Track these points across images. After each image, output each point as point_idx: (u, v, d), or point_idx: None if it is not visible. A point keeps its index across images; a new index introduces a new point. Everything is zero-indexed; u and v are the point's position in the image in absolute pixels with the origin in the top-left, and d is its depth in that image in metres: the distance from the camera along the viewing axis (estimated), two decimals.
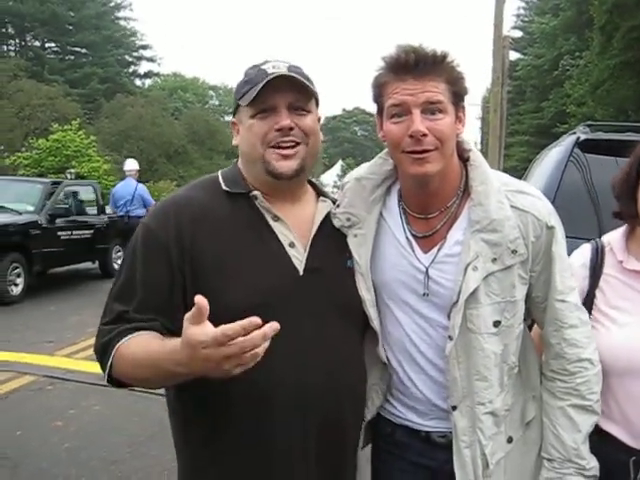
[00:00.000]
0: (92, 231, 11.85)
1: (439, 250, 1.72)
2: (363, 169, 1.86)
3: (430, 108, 1.59)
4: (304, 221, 1.72)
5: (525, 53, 47.64)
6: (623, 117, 21.76)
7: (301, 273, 1.65)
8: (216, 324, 1.47)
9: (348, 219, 1.79)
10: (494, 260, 1.65)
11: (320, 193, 1.84)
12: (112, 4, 51.12)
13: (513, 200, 1.68)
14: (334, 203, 1.82)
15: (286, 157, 1.64)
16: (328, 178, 56.13)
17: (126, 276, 1.62)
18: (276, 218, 1.66)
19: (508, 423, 1.76)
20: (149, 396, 5.03)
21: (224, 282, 1.57)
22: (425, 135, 1.58)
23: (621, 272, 1.92)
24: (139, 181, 12.28)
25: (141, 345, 1.49)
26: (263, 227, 1.65)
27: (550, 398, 1.79)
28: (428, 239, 1.74)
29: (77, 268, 12.63)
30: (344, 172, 60.09)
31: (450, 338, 1.68)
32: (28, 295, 10.13)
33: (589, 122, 4.35)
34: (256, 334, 1.24)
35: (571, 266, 1.83)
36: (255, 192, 1.66)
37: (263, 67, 1.66)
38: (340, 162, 61.67)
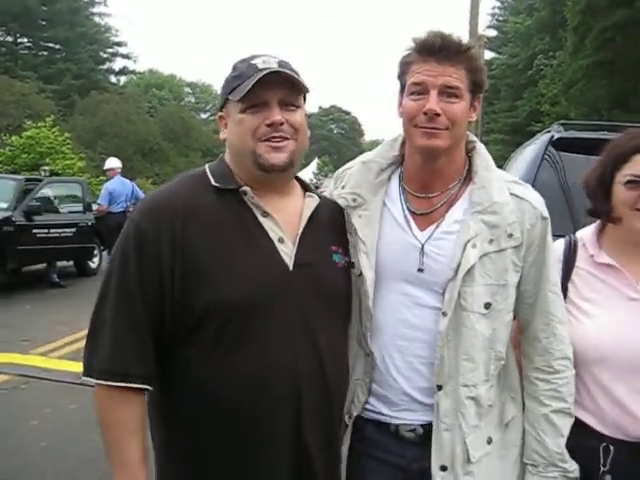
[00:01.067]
0: (74, 229, 11.50)
1: (437, 227, 1.78)
2: (370, 154, 1.93)
3: (447, 91, 1.69)
4: (292, 216, 1.74)
5: (500, 52, 47.92)
6: (596, 116, 22.01)
7: (291, 268, 1.67)
8: (209, 319, 1.57)
9: (354, 200, 1.84)
10: (491, 241, 1.71)
11: (307, 189, 1.85)
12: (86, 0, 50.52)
13: (511, 188, 1.77)
14: (320, 198, 1.84)
15: (276, 149, 1.66)
16: (304, 175, 55.68)
17: (121, 284, 1.62)
18: (265, 214, 1.68)
19: (488, 423, 1.78)
20: None
21: (215, 278, 1.59)
22: (438, 115, 1.68)
23: (592, 265, 1.98)
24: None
25: (128, 428, 1.63)
26: (252, 223, 1.67)
27: (533, 404, 1.82)
28: (426, 217, 1.80)
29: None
30: (320, 170, 60.05)
31: (444, 314, 1.72)
32: (3, 293, 10.04)
33: (563, 121, 4.42)
34: None
35: None
36: (245, 187, 1.67)
37: (253, 62, 1.67)
38: (316, 160, 61.54)
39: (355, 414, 1.86)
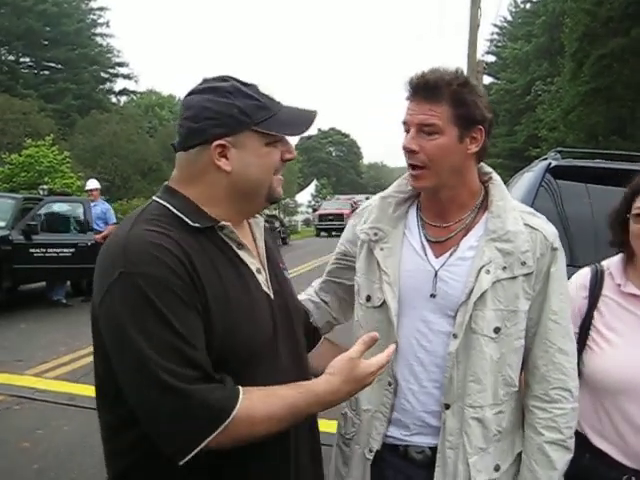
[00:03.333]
0: (72, 250, 11.14)
1: (451, 254, 1.83)
2: (388, 190, 2.00)
3: (424, 129, 1.75)
4: (250, 241, 1.69)
5: (498, 78, 48.35)
6: (593, 142, 22.18)
7: (272, 297, 1.64)
8: (230, 356, 1.47)
9: (375, 234, 1.90)
10: (504, 268, 1.75)
11: None
12: (89, 21, 50.91)
13: (526, 219, 1.82)
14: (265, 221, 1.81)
15: (281, 182, 1.65)
16: (303, 197, 56.22)
17: (166, 331, 1.37)
18: (240, 246, 1.60)
19: (498, 450, 1.79)
20: None
21: (229, 317, 1.48)
22: (414, 152, 1.76)
23: (619, 295, 2.01)
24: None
25: (268, 400, 1.42)
26: (234, 258, 1.58)
27: (529, 433, 1.82)
28: (442, 244, 1.85)
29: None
30: (318, 192, 60.32)
31: (455, 336, 1.76)
32: None
33: (560, 148, 4.43)
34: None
35: (569, 293, 1.89)
36: (224, 223, 1.56)
37: (263, 92, 1.60)
38: (314, 182, 61.81)
39: (376, 448, 1.86)
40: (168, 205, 1.55)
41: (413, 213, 1.94)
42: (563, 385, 1.79)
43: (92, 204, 12.09)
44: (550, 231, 1.82)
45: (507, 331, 1.76)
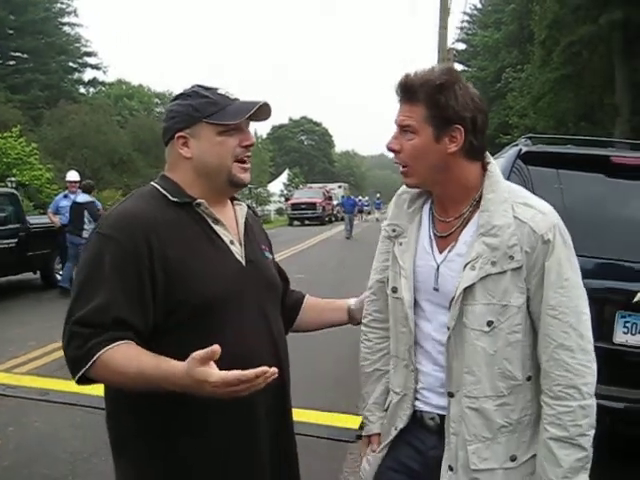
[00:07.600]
0: (16, 240, 11.21)
1: (451, 250, 1.88)
2: (403, 186, 2.05)
3: (403, 130, 1.83)
4: (232, 221, 2.01)
5: (469, 65, 48.57)
6: (563, 129, 22.41)
7: (244, 265, 1.93)
8: (187, 311, 1.77)
9: (394, 230, 2.00)
10: (493, 263, 1.76)
11: (233, 198, 2.09)
12: (56, 9, 50.06)
13: (517, 211, 1.79)
14: (248, 206, 2.13)
15: (246, 170, 1.95)
16: (275, 187, 56.11)
17: (98, 284, 1.72)
18: (216, 221, 1.92)
19: (513, 441, 1.80)
20: (93, 410, 4.88)
21: (190, 279, 1.78)
22: (395, 151, 1.86)
23: None
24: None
25: (130, 358, 1.66)
26: (208, 229, 1.90)
27: (541, 426, 1.79)
28: (445, 239, 1.91)
29: (19, 278, 12.29)
30: (291, 181, 60.22)
31: (448, 328, 1.82)
32: None
33: (530, 134, 4.45)
34: (260, 380, 1.53)
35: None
36: (200, 200, 1.89)
37: (219, 92, 1.93)
38: (287, 171, 61.63)
39: (401, 426, 1.97)
40: (157, 186, 1.93)
41: (427, 208, 1.99)
42: (566, 382, 1.74)
43: (72, 196, 12.02)
44: (541, 224, 1.76)
45: (500, 325, 1.77)
